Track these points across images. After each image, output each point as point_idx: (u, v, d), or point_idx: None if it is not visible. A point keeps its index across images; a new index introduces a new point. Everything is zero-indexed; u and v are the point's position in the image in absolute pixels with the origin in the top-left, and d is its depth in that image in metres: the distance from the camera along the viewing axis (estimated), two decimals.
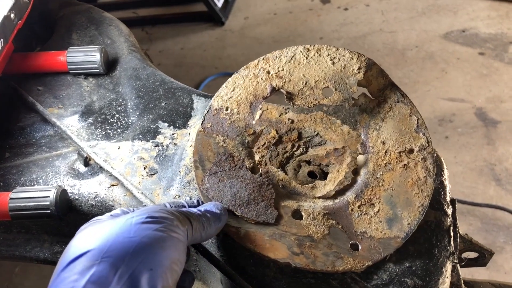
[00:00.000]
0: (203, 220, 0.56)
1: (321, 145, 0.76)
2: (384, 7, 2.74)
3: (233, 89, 0.71)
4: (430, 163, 0.64)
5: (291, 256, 0.59)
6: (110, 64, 0.94)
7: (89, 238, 0.49)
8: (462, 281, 0.65)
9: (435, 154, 0.67)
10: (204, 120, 0.70)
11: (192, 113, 0.82)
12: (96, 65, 0.90)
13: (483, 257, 0.76)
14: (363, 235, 0.61)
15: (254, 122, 0.69)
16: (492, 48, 2.34)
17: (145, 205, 0.68)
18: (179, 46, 2.90)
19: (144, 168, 0.74)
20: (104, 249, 0.47)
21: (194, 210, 0.57)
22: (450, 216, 0.66)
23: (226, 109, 0.70)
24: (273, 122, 0.73)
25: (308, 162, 0.74)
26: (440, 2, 2.68)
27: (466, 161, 1.92)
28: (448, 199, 0.67)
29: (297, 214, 0.63)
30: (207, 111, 0.71)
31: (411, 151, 0.65)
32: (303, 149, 0.76)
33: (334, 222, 0.62)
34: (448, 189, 0.69)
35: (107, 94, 0.89)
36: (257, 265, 0.61)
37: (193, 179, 0.69)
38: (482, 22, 2.49)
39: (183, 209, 0.57)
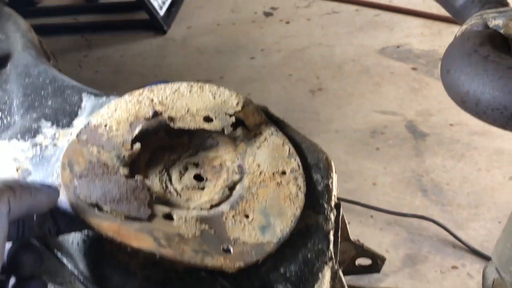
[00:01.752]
0: (31, 188, 0.51)
1: (212, 147, 0.74)
2: (324, 22, 2.79)
3: (115, 110, 0.72)
4: (301, 182, 0.66)
5: (157, 248, 0.55)
6: (1, 60, 0.88)
7: None
8: None
9: (304, 176, 0.68)
10: (80, 132, 0.68)
11: (79, 112, 0.77)
12: None
13: (376, 263, 0.75)
14: (236, 241, 0.59)
15: (133, 138, 0.68)
16: (424, 63, 2.42)
17: None
18: (119, 53, 2.84)
19: (17, 170, 0.69)
20: None
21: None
22: (333, 221, 0.64)
23: (105, 126, 0.70)
24: (162, 121, 0.70)
25: (196, 165, 0.71)
26: (377, 19, 2.76)
27: (395, 172, 1.95)
28: (332, 203, 0.66)
29: (169, 217, 0.60)
30: (85, 126, 0.70)
31: (283, 172, 0.67)
32: (192, 151, 0.73)
33: (206, 226, 0.59)
34: (334, 192, 0.68)
35: None
36: (122, 275, 0.57)
37: None
38: (416, 39, 2.58)
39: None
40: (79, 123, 0.75)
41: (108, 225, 0.56)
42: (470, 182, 1.88)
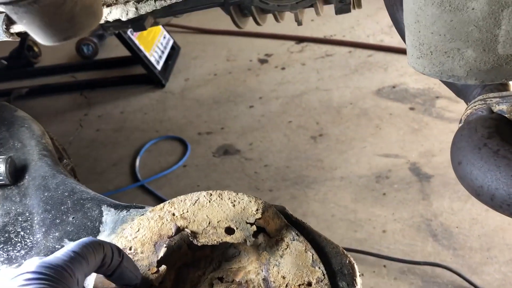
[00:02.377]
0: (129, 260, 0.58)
1: (235, 256, 0.75)
2: (319, 65, 2.84)
3: (138, 230, 0.73)
4: None
5: None
6: (18, 172, 0.89)
7: None
8: None
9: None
10: None
11: (100, 228, 0.78)
12: (1, 177, 0.85)
13: None
14: None
15: (158, 259, 0.69)
16: (421, 103, 2.46)
17: None
18: (119, 109, 2.87)
19: None
20: None
21: None
22: None
23: (130, 249, 0.71)
24: (178, 240, 0.72)
25: (221, 279, 0.72)
26: (371, 59, 2.81)
27: (404, 217, 1.96)
28: None
29: None
30: None
31: (309, 283, 0.68)
32: (216, 263, 0.74)
33: None
34: None
35: (13, 208, 0.84)
36: None
37: None
38: (410, 77, 2.62)
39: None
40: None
41: None
42: (480, 224, 1.89)
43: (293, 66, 2.87)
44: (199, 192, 0.77)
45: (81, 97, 3.04)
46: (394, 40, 2.87)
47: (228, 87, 2.85)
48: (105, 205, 0.82)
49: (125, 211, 0.79)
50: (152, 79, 2.93)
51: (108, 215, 0.80)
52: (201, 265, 0.73)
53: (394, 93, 2.54)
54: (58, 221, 0.80)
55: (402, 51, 2.79)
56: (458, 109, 2.40)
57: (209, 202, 0.75)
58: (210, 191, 0.77)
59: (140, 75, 2.99)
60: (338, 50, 2.91)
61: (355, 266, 0.72)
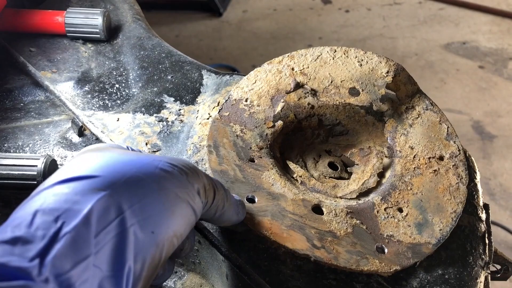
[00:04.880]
0: (226, 197, 0.48)
1: (343, 134, 0.70)
2: (386, 12, 2.70)
3: (255, 82, 0.66)
4: (462, 171, 0.59)
5: (311, 249, 0.52)
6: (112, 31, 0.85)
7: (98, 163, 0.39)
8: None
9: (467, 161, 0.61)
10: (221, 108, 0.64)
11: (201, 89, 0.74)
12: (97, 30, 0.82)
13: (506, 270, 0.70)
14: (389, 239, 0.54)
15: (275, 114, 0.63)
16: (492, 62, 2.33)
17: None
18: (174, 33, 2.81)
19: (146, 144, 0.66)
20: (116, 181, 0.37)
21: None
22: (484, 222, 0.60)
23: (246, 100, 0.65)
24: (291, 105, 0.66)
25: (329, 152, 0.68)
26: (442, 13, 2.66)
27: None
28: (481, 203, 0.62)
29: (317, 209, 0.57)
30: (226, 100, 0.65)
31: (441, 158, 0.60)
32: (323, 137, 0.69)
33: (358, 221, 0.55)
34: (480, 192, 0.63)
35: (107, 62, 0.81)
36: (271, 261, 0.54)
37: (202, 159, 0.62)
38: (483, 36, 2.47)
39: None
40: (203, 100, 0.72)
41: (259, 222, 0.53)
42: None
43: (358, 9, 2.74)
44: (322, 47, 0.69)
45: None
46: None
47: (288, 24, 2.75)
48: (205, 70, 0.77)
49: (228, 76, 0.75)
50: (211, 6, 2.85)
51: (209, 79, 0.76)
52: (308, 136, 0.68)
53: (464, 49, 2.41)
54: (156, 77, 0.76)
55: (477, 8, 2.63)
56: None
57: (333, 59, 0.67)
58: (335, 47, 0.68)
59: (198, 1, 2.91)
60: (408, 0, 2.76)
61: (473, 159, 0.67)
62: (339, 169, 0.65)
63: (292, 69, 0.67)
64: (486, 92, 2.19)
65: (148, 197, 0.38)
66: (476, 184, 0.63)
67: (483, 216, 0.61)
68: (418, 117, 0.64)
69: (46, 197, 0.36)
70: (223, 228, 0.55)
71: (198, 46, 2.70)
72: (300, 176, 0.61)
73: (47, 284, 0.31)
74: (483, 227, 0.59)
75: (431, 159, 0.60)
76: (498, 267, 0.72)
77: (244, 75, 0.75)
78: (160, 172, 0.40)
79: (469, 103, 2.15)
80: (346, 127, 0.69)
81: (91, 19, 0.81)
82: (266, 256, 0.54)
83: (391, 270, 0.52)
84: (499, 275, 0.72)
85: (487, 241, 0.58)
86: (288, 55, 0.69)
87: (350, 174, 0.65)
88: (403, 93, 0.66)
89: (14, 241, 0.33)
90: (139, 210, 0.37)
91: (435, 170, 0.59)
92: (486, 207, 0.62)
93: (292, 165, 0.62)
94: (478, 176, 0.65)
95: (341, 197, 0.60)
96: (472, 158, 0.67)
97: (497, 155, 1.94)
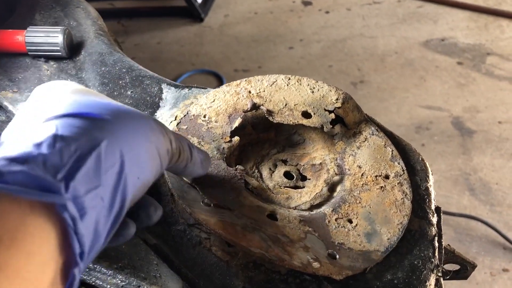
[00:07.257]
0: (190, 154, 0.51)
1: (299, 144, 0.71)
2: (365, 12, 2.72)
3: (213, 100, 0.70)
4: (406, 188, 0.63)
5: (266, 248, 0.53)
6: (74, 48, 0.86)
7: (96, 102, 0.43)
8: None
9: (409, 180, 0.65)
10: (180, 122, 0.67)
11: (160, 104, 0.75)
12: (58, 48, 0.82)
13: (465, 269, 0.72)
14: (341, 246, 0.56)
15: (232, 130, 0.66)
16: (470, 58, 2.35)
17: None
18: (156, 40, 2.82)
19: None
20: (121, 125, 0.42)
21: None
22: (435, 226, 0.61)
23: (204, 116, 0.68)
24: (249, 117, 0.68)
25: (285, 162, 0.69)
26: (421, 10, 2.68)
27: (442, 169, 1.90)
28: (433, 206, 0.63)
29: (272, 216, 0.58)
30: (184, 115, 0.68)
31: (387, 176, 0.64)
32: (279, 147, 0.70)
33: (310, 229, 0.57)
34: (433, 196, 0.64)
35: (69, 80, 0.81)
36: (224, 275, 0.55)
37: None
38: (461, 32, 2.50)
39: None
40: (161, 114, 0.73)
41: (216, 223, 0.54)
42: None
43: (338, 10, 2.76)
44: (277, 75, 0.73)
45: (118, 25, 2.99)
46: None
47: (268, 27, 2.77)
48: (165, 84, 0.78)
49: (186, 89, 0.76)
50: (192, 12, 2.86)
51: (169, 93, 0.76)
52: (265, 147, 0.70)
53: (442, 46, 2.43)
54: (116, 93, 0.77)
55: (455, 4, 2.65)
56: (510, 67, 2.29)
57: (287, 85, 0.71)
58: (289, 76, 0.73)
59: (179, 7, 2.92)
60: None
61: (427, 163, 0.68)
62: (294, 178, 0.67)
63: (249, 92, 0.70)
64: (465, 88, 2.21)
65: (142, 146, 0.43)
66: (428, 188, 0.65)
67: (434, 219, 0.62)
68: (365, 140, 0.68)
69: (58, 126, 0.39)
70: (177, 240, 0.56)
71: (180, 52, 2.71)
72: (255, 188, 0.62)
73: (69, 202, 0.36)
74: (433, 230, 0.61)
75: (377, 177, 0.64)
76: (458, 267, 0.73)
77: (206, 88, 0.76)
78: (151, 123, 0.45)
79: (449, 100, 2.17)
80: (303, 136, 0.71)
81: (52, 37, 0.82)
82: (218, 268, 0.55)
83: (343, 274, 0.54)
84: (458, 275, 0.74)
85: (436, 245, 0.59)
86: (246, 80, 0.72)
87: (306, 179, 0.67)
88: (351, 120, 0.69)
89: (44, 160, 0.36)
90: (134, 157, 0.42)
91: (381, 187, 0.63)
92: (438, 210, 0.64)
93: (247, 178, 0.63)
94: (431, 180, 0.66)
95: (294, 208, 0.61)
96: (426, 162, 0.69)
97: (477, 151, 1.96)
